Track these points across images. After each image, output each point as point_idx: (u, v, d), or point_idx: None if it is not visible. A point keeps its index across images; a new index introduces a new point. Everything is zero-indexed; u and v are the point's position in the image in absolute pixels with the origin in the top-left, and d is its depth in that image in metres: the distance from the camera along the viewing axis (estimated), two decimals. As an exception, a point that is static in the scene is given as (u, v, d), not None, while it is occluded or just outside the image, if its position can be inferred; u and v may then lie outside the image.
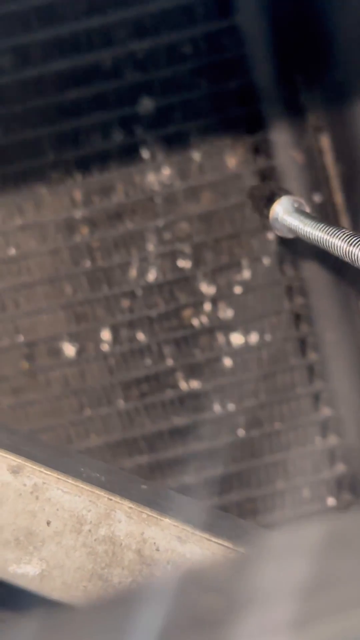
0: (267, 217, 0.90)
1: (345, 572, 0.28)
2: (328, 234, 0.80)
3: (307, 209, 0.89)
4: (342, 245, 0.77)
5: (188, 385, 1.04)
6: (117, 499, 0.73)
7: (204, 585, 0.27)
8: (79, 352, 1.04)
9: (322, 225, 0.82)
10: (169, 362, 1.04)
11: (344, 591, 0.27)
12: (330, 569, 0.28)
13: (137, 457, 1.04)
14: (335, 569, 0.28)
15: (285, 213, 0.88)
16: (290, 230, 0.88)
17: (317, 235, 0.82)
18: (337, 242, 0.78)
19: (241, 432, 1.04)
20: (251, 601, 0.26)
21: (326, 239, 0.80)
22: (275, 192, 0.90)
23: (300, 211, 0.87)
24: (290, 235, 0.89)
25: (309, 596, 0.27)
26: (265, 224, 0.92)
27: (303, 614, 0.26)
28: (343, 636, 0.24)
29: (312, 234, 0.83)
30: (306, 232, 0.84)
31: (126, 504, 0.73)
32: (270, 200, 0.89)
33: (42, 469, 0.73)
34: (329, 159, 1.04)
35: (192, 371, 1.04)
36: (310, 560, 0.28)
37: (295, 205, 0.88)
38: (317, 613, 0.26)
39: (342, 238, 0.78)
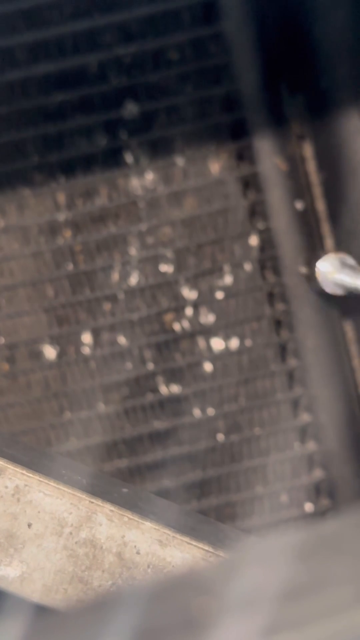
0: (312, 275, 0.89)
1: (335, 575, 0.28)
2: None
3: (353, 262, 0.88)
4: None
5: (168, 389, 1.05)
6: (98, 502, 0.73)
7: (195, 587, 0.28)
8: (60, 355, 1.04)
9: None
10: (150, 366, 1.05)
11: (334, 594, 0.27)
12: (319, 572, 0.29)
13: (116, 461, 1.04)
14: (324, 572, 0.29)
15: (334, 271, 0.87)
16: (341, 287, 0.87)
17: None
18: None
19: (221, 437, 1.05)
20: (243, 603, 0.27)
21: None
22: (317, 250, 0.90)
23: (349, 266, 0.87)
24: (340, 292, 0.88)
25: (299, 599, 0.27)
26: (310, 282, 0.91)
27: (295, 616, 0.26)
28: (335, 639, 0.25)
29: None
30: None
31: (107, 507, 0.73)
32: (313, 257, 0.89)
33: (24, 472, 0.73)
34: (311, 166, 1.05)
35: (173, 375, 1.05)
36: (300, 564, 0.29)
37: (342, 261, 0.88)
38: (308, 616, 0.26)
39: None
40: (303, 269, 0.89)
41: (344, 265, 0.88)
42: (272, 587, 0.27)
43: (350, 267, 0.87)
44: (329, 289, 0.90)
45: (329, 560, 0.29)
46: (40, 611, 0.72)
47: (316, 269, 0.89)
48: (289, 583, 0.28)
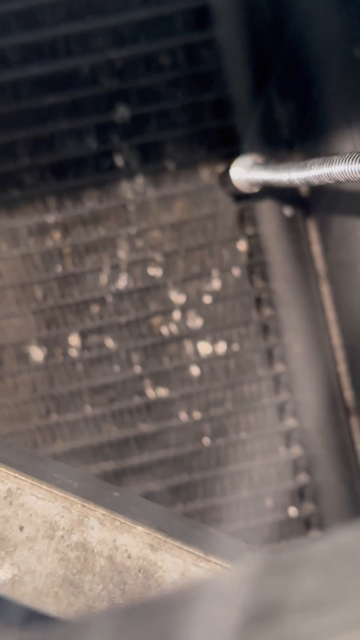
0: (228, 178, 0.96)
1: (354, 587, 0.29)
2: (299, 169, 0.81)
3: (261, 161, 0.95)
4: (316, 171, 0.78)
5: (155, 392, 1.05)
6: (90, 505, 0.73)
7: (218, 599, 0.28)
8: (47, 357, 1.04)
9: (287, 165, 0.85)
10: (137, 369, 1.05)
11: (354, 606, 0.28)
12: (338, 584, 0.29)
13: (102, 463, 1.04)
14: (343, 584, 0.29)
15: (246, 172, 0.94)
16: (255, 184, 0.93)
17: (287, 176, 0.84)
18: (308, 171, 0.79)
19: (207, 441, 1.05)
20: (264, 615, 0.27)
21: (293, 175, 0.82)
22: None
23: (258, 165, 0.94)
24: (255, 190, 0.95)
25: (320, 611, 0.27)
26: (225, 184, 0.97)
27: (316, 629, 0.27)
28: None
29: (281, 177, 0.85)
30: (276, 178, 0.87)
31: (99, 511, 0.74)
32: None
33: (16, 474, 0.73)
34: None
35: (160, 379, 1.05)
36: (319, 576, 0.29)
37: (254, 161, 0.95)
38: (330, 628, 0.27)
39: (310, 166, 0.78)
40: (218, 174, 0.96)
41: (254, 165, 0.95)
42: (293, 599, 0.28)
43: (259, 165, 0.94)
44: (246, 189, 0.97)
45: (347, 572, 0.29)
46: (31, 614, 0.73)
47: (230, 173, 0.96)
48: (309, 595, 0.28)
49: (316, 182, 0.77)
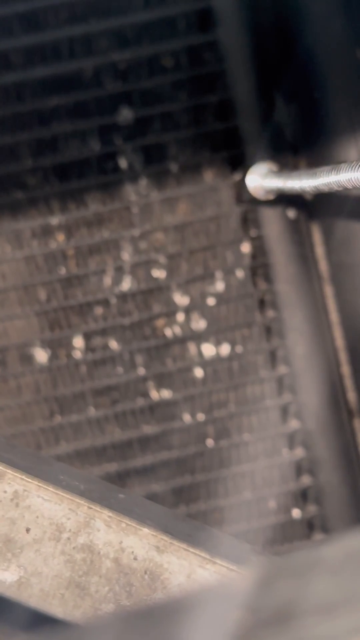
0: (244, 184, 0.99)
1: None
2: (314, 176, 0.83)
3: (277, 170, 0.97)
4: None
5: (159, 394, 1.05)
6: (96, 507, 0.74)
7: (231, 601, 0.28)
8: (51, 359, 1.04)
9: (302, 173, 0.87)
10: (141, 370, 1.05)
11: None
12: (350, 587, 0.29)
13: (106, 465, 1.04)
14: (356, 587, 0.29)
15: (261, 179, 0.95)
16: (269, 191, 0.97)
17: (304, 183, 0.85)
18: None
19: (210, 442, 1.05)
20: (278, 618, 0.27)
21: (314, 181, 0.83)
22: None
23: (273, 173, 0.96)
24: (270, 197, 0.99)
25: (333, 614, 0.28)
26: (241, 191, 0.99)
27: (329, 631, 0.27)
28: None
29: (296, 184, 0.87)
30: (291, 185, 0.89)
31: (105, 513, 0.74)
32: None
33: (23, 477, 0.73)
34: (305, 175, 1.05)
35: (163, 380, 1.05)
36: (331, 579, 0.29)
37: (269, 168, 0.97)
38: (343, 631, 0.27)
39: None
40: (235, 181, 0.99)
41: (269, 172, 0.98)
42: (305, 602, 0.28)
43: (274, 173, 0.97)
44: (261, 196, 0.99)
45: (359, 576, 0.29)
46: (37, 616, 0.73)
47: (246, 181, 0.98)
48: (322, 598, 0.28)
49: (326, 189, 0.78)
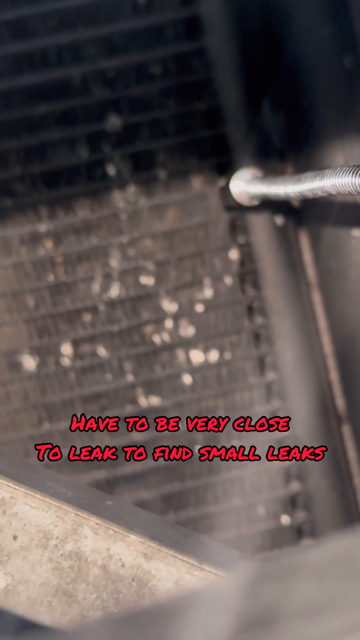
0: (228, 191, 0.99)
1: (350, 593, 0.29)
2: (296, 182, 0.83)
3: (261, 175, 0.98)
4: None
5: (147, 401, 1.05)
6: (84, 514, 0.73)
7: (216, 606, 0.28)
8: (40, 366, 1.04)
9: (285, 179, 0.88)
10: (129, 377, 1.05)
11: (350, 613, 0.28)
12: (334, 591, 0.29)
13: (95, 472, 1.04)
14: (339, 591, 0.29)
15: (246, 184, 0.98)
16: (253, 197, 0.98)
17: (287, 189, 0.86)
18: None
19: (199, 446, 1.05)
20: (261, 622, 0.27)
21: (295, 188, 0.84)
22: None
23: (257, 178, 0.96)
24: (254, 202, 1.00)
25: (316, 617, 0.28)
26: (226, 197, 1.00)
27: (314, 634, 0.27)
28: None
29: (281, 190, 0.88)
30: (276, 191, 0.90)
31: (93, 520, 0.74)
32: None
33: (9, 484, 0.73)
34: (293, 182, 1.06)
35: (152, 387, 1.05)
36: (315, 582, 0.29)
37: (253, 174, 0.98)
38: (328, 634, 0.27)
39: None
40: (219, 188, 1.00)
41: (253, 178, 0.98)
42: (289, 606, 0.28)
43: (258, 179, 0.97)
44: (246, 201, 1.01)
45: (343, 578, 0.29)
46: (25, 624, 0.72)
47: (230, 187, 0.98)
48: (305, 601, 0.28)
49: (310, 195, 0.78)
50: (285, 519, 1.06)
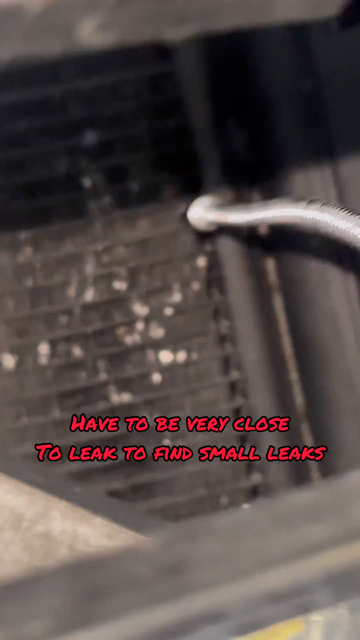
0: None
1: (245, 547, 0.36)
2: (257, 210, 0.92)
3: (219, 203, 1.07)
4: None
5: (119, 398, 1.13)
6: (54, 499, 0.81)
7: (138, 557, 0.35)
8: (18, 364, 1.11)
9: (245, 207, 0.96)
10: (103, 376, 1.12)
11: (245, 561, 0.35)
12: (234, 546, 0.36)
13: (69, 464, 1.11)
14: (238, 546, 0.36)
15: (204, 212, 1.07)
16: (212, 224, 1.07)
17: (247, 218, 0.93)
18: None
19: (167, 442, 1.13)
20: (174, 569, 0.34)
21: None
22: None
23: (216, 206, 1.06)
24: (212, 228, 1.09)
25: (219, 566, 0.35)
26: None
27: (213, 578, 0.34)
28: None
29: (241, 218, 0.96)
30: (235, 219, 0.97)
31: (62, 504, 0.81)
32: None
33: (-14, 471, 0.80)
34: (257, 197, 1.13)
35: (124, 385, 1.13)
36: (220, 541, 0.37)
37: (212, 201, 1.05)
38: (224, 578, 0.34)
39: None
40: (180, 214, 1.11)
41: (212, 205, 1.08)
42: (197, 557, 0.35)
43: (217, 206, 1.07)
44: (204, 227, 1.10)
45: (241, 537, 0.37)
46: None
47: (189, 213, 1.10)
48: (210, 554, 0.36)
49: (266, 224, 0.87)
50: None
